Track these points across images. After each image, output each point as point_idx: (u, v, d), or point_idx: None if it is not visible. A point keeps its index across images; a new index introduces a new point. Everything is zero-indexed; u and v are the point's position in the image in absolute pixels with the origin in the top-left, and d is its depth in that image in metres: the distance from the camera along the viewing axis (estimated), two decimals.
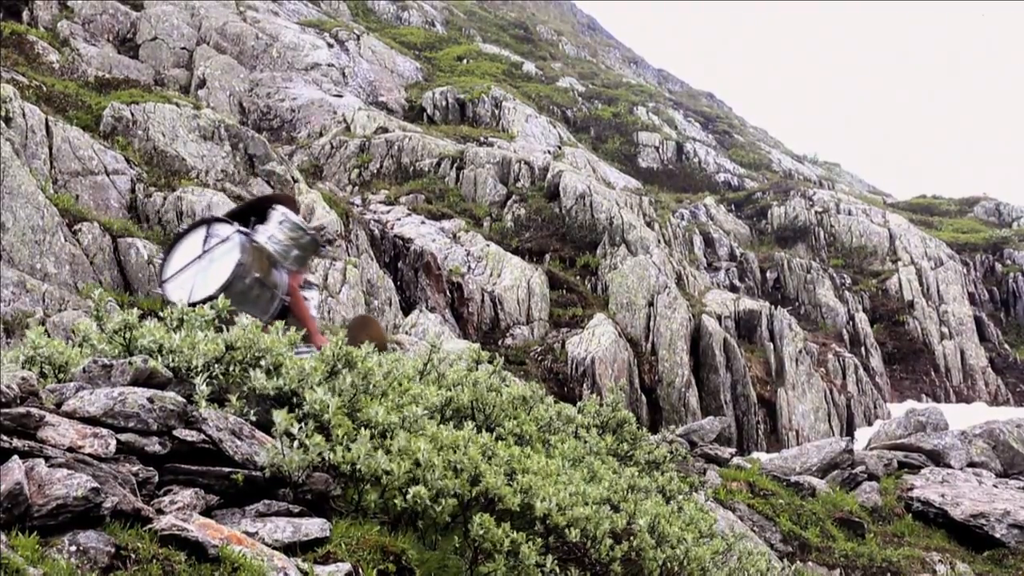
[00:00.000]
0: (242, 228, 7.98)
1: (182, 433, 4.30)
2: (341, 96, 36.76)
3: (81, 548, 3.33)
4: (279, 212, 8.30)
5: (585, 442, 5.94)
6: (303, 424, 4.35)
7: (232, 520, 4.08)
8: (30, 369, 4.77)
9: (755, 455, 17.97)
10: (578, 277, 28.52)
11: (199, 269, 7.76)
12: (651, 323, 26.72)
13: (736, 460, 12.45)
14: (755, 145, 54.25)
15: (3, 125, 17.50)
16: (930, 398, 32.79)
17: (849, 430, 28.34)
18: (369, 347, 5.53)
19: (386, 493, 4.35)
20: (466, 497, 4.40)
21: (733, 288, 34.25)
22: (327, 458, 4.30)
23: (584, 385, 23.65)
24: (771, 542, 10.00)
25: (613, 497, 5.08)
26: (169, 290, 7.75)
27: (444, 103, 39.36)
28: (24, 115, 18.21)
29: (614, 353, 24.67)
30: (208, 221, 8.11)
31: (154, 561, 3.39)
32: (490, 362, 6.25)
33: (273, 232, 8.07)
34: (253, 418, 4.68)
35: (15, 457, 3.50)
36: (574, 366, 24.21)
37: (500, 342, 24.77)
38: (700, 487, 7.18)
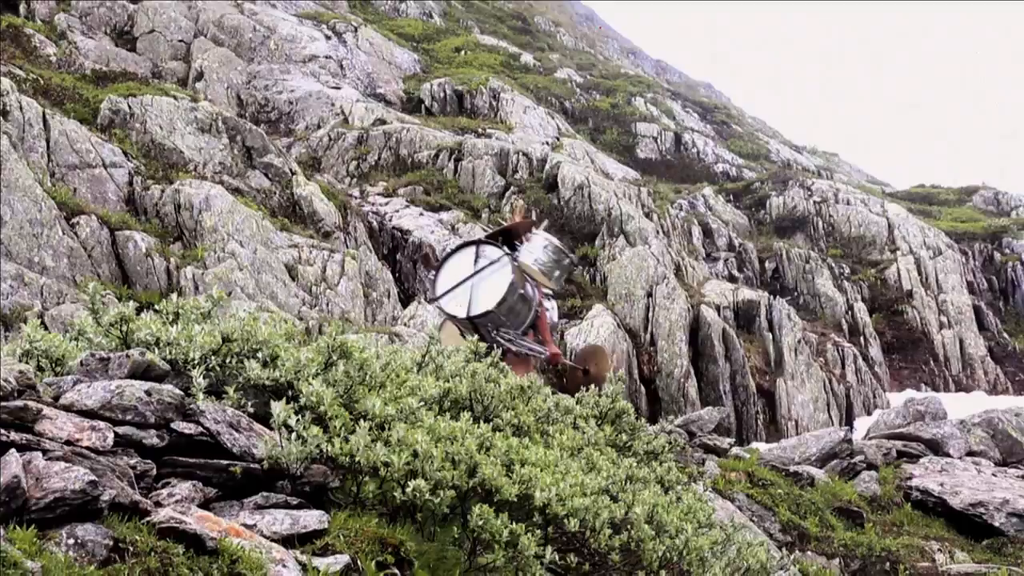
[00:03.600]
0: (508, 250, 9.23)
1: (180, 426, 4.30)
2: (339, 88, 36.71)
3: (79, 541, 3.33)
4: (543, 237, 9.68)
5: (583, 433, 5.94)
6: (300, 416, 4.35)
7: (230, 512, 4.08)
8: (27, 362, 4.76)
9: (754, 445, 17.97)
10: (577, 268, 28.50)
11: (473, 285, 8.94)
12: (650, 314, 26.73)
13: (735, 450, 12.44)
14: (753, 135, 54.20)
15: (0, 119, 17.48)
16: (929, 387, 32.81)
17: (848, 420, 28.38)
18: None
19: (384, 485, 4.35)
20: (464, 488, 4.40)
21: (732, 278, 34.25)
22: (325, 450, 4.30)
23: None
24: (770, 532, 10.00)
25: (611, 487, 5.08)
26: (446, 304, 8.96)
27: (442, 95, 39.31)
28: (21, 108, 18.19)
29: (613, 344, 24.68)
30: (476, 243, 9.35)
31: (152, 554, 3.39)
32: (488, 353, 6.25)
33: (538, 255, 9.41)
34: (251, 410, 4.68)
35: (13, 450, 3.50)
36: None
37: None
38: (699, 477, 7.19)
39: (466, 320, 8.91)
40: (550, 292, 9.83)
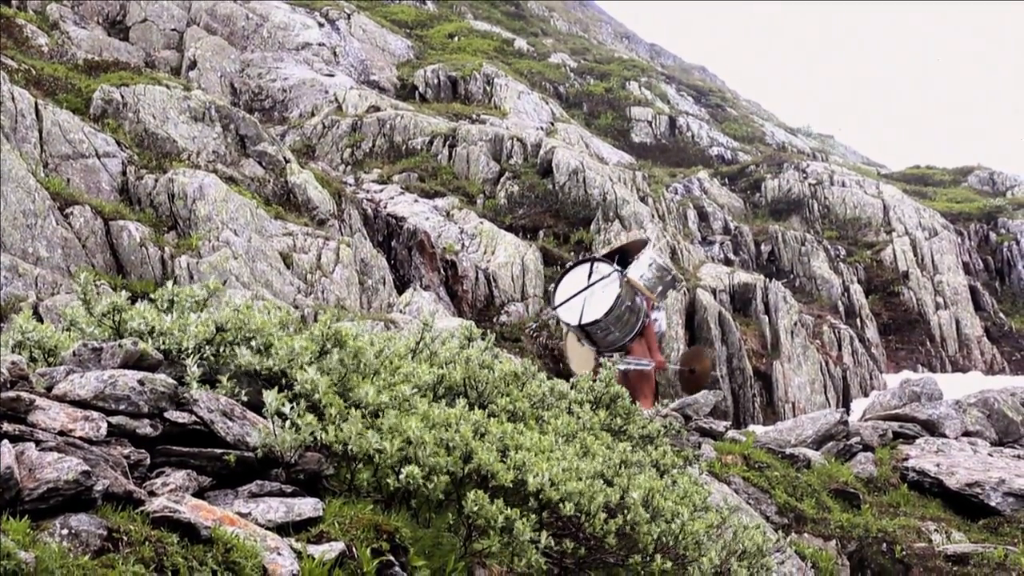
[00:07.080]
0: (618, 267, 10.40)
1: (173, 415, 4.30)
2: (332, 75, 36.62)
3: (73, 531, 3.33)
4: (650, 256, 10.94)
5: (578, 418, 5.94)
6: (294, 404, 4.35)
7: (225, 501, 4.08)
8: (20, 353, 4.76)
9: (751, 428, 17.97)
10: (572, 253, 28.46)
11: (586, 297, 10.15)
12: None
13: (731, 433, 12.42)
14: (748, 118, 54.13)
15: None
16: (926, 368, 32.83)
17: (845, 401, 28.42)
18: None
19: (379, 472, 4.35)
20: (459, 474, 4.40)
21: (728, 262, 34.24)
22: (319, 438, 4.30)
23: None
24: (767, 514, 10.01)
25: (606, 472, 5.08)
26: (562, 313, 10.19)
27: (436, 81, 39.22)
28: (13, 99, 18.13)
29: None
30: (592, 260, 10.60)
31: (146, 543, 3.39)
32: (482, 339, 6.25)
33: (644, 272, 10.65)
34: (244, 399, 4.68)
35: (5, 441, 3.49)
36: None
37: (495, 319, 24.77)
38: (695, 461, 7.18)
39: (578, 328, 10.10)
40: (662, 306, 11.21)
